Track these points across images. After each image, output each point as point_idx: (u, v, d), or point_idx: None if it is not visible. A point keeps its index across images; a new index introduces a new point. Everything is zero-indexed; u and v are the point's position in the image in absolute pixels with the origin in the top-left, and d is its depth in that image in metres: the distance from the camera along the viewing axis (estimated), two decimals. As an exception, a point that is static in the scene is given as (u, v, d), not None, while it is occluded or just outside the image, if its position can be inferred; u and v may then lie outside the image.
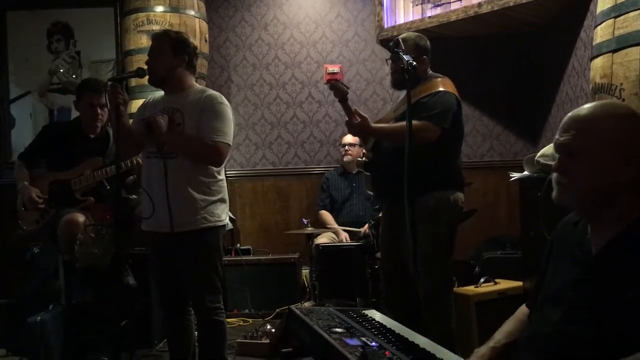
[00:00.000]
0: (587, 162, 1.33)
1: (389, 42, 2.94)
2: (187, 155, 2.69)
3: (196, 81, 2.92)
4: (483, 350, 1.55)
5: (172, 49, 2.76)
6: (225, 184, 2.86)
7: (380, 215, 3.43)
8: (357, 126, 2.86)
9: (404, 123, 2.77)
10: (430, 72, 3.06)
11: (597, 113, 1.36)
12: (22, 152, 3.59)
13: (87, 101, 3.44)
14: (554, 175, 1.40)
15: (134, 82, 4.54)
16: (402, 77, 2.64)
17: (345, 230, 4.55)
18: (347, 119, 2.94)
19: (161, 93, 2.90)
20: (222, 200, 2.81)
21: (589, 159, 1.33)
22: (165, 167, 2.63)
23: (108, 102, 2.64)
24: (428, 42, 3.05)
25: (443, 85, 2.96)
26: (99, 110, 3.44)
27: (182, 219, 2.67)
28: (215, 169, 2.77)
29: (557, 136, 1.40)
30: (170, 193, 2.63)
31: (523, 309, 1.62)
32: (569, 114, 1.40)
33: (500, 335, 1.59)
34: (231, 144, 2.77)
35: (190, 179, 2.70)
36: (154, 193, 2.67)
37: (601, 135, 1.33)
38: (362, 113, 2.86)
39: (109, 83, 2.67)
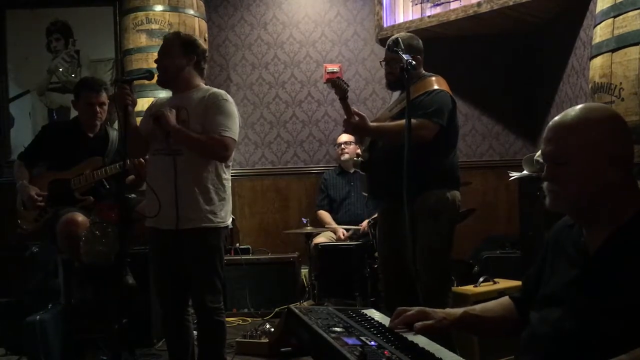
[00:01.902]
0: (574, 169, 1.37)
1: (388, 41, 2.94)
2: (194, 148, 2.68)
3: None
4: (457, 310, 1.60)
5: (181, 49, 2.77)
6: (230, 184, 2.86)
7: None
8: (355, 125, 2.86)
9: (400, 121, 2.78)
10: (424, 71, 3.06)
11: (575, 119, 1.40)
12: (22, 152, 3.60)
13: (85, 100, 3.44)
14: (545, 183, 1.44)
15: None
16: (402, 77, 2.63)
17: (343, 228, 4.56)
18: (346, 118, 2.93)
19: (163, 93, 2.91)
20: (226, 200, 2.81)
21: (575, 166, 1.37)
22: (175, 164, 2.64)
23: (116, 103, 2.63)
24: (420, 42, 3.04)
25: (437, 83, 2.96)
26: (97, 109, 3.44)
27: (186, 217, 2.67)
28: (221, 168, 2.77)
29: (542, 144, 1.44)
30: (178, 190, 2.64)
31: (506, 298, 1.66)
32: (550, 123, 1.44)
33: (478, 306, 1.65)
34: (237, 139, 2.78)
35: (196, 176, 2.70)
36: (160, 190, 2.67)
37: (582, 141, 1.36)
38: (360, 112, 2.86)
39: (117, 84, 2.67)
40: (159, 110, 2.67)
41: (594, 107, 1.45)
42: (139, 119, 2.99)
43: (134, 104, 2.66)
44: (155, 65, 2.82)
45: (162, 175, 2.71)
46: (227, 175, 2.82)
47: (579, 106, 1.43)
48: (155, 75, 2.79)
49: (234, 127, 2.75)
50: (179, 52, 2.76)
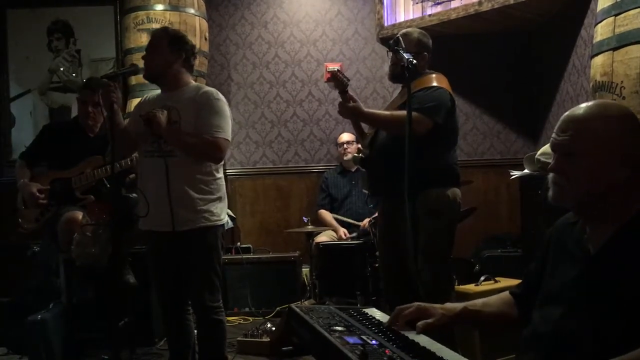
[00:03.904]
0: (585, 164, 1.34)
1: (389, 40, 2.94)
2: (187, 151, 2.67)
3: (195, 80, 2.91)
4: (456, 305, 1.58)
5: (169, 45, 2.75)
6: (223, 182, 2.85)
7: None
8: (350, 108, 2.86)
9: (394, 112, 2.82)
10: (427, 69, 3.06)
11: (594, 114, 1.36)
12: (23, 152, 3.61)
13: (80, 99, 3.45)
14: (551, 175, 1.41)
15: (134, 80, 4.54)
16: (402, 74, 2.64)
17: (345, 224, 4.56)
18: (341, 101, 2.92)
19: (159, 91, 2.89)
20: (221, 199, 2.81)
21: (586, 161, 1.34)
22: (167, 166, 2.63)
23: (102, 100, 2.62)
24: (430, 40, 3.06)
25: (437, 81, 2.97)
26: (89, 109, 3.44)
27: (182, 218, 2.66)
28: (213, 167, 2.76)
29: (554, 135, 1.41)
30: (171, 192, 2.63)
31: (507, 294, 1.65)
32: (567, 113, 1.40)
33: (478, 301, 1.63)
34: (230, 139, 2.76)
35: (189, 177, 2.69)
36: (152, 192, 2.67)
37: (599, 136, 1.33)
38: (355, 97, 2.88)
39: (103, 81, 2.66)
40: (150, 111, 2.64)
41: (611, 104, 1.43)
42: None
43: (119, 101, 2.65)
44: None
45: (154, 177, 2.69)
46: (220, 174, 2.81)
47: (596, 101, 1.41)
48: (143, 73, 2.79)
49: (227, 127, 2.72)
50: (167, 48, 2.75)
